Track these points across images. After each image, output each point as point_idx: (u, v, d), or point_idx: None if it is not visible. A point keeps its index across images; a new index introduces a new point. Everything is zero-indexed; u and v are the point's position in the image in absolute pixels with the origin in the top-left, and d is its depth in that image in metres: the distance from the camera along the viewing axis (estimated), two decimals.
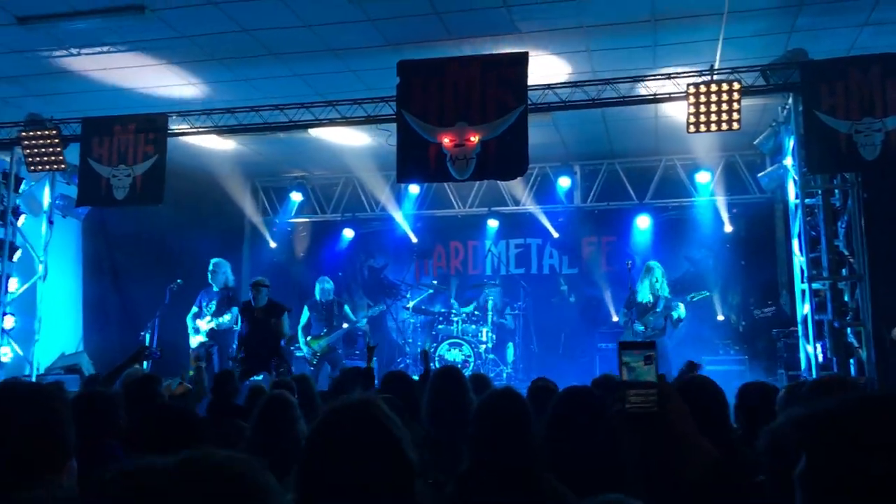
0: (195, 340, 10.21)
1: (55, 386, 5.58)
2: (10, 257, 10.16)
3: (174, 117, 9.66)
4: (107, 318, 11.63)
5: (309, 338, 11.09)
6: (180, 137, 9.94)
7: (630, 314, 10.16)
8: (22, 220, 10.44)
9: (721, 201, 12.25)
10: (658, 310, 9.85)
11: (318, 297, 11.26)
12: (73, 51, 8.65)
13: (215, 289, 10.35)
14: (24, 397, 1.91)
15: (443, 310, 12.34)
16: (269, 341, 9.14)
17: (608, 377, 4.91)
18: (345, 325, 11.28)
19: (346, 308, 11.55)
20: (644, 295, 10.01)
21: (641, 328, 9.90)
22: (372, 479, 1.80)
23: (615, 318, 12.20)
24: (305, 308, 11.32)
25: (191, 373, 6.44)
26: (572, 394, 3.18)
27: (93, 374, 7.70)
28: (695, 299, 10.32)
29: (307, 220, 14.28)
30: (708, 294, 10.80)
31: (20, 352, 10.19)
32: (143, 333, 10.26)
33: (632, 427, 1.63)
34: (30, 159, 9.79)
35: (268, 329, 9.18)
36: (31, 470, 1.82)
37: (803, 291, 8.36)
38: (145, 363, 8.45)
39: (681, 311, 9.91)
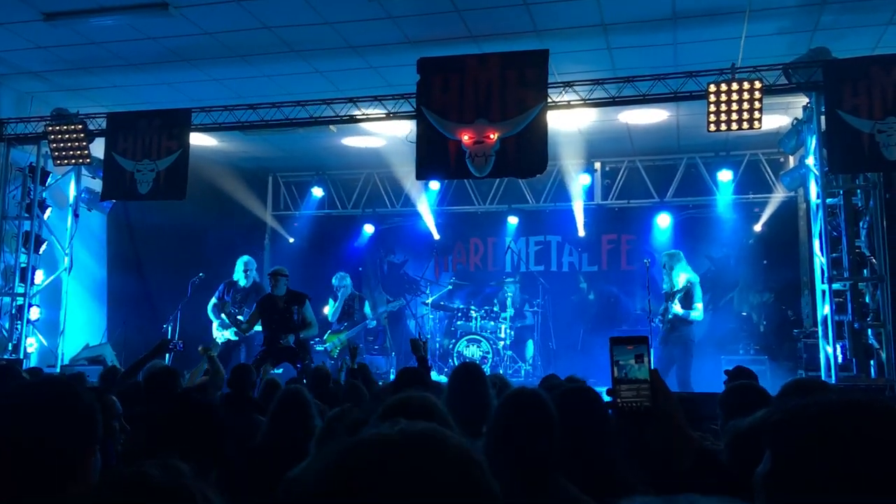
0: (220, 334, 10.27)
1: (77, 378, 5.69)
2: (37, 250, 10.33)
3: (197, 112, 9.77)
4: (130, 310, 11.79)
5: (328, 332, 11.16)
6: (203, 133, 10.05)
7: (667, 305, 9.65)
8: (48, 213, 10.60)
9: (743, 200, 12.15)
10: (673, 302, 9.47)
11: (337, 291, 11.33)
12: (98, 46, 8.78)
13: (242, 284, 10.40)
14: (46, 394, 1.93)
15: (461, 306, 12.38)
16: (293, 330, 8.73)
17: (551, 378, 5.05)
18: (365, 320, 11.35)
19: (367, 304, 11.60)
20: (668, 284, 9.65)
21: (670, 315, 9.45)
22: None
23: (639, 311, 12.04)
24: (331, 301, 11.38)
25: (203, 365, 6.50)
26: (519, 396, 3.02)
27: (110, 366, 7.79)
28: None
29: (328, 214, 14.36)
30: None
31: (45, 343, 10.36)
32: (165, 326, 10.41)
33: (626, 421, 1.67)
34: (56, 153, 9.95)
35: (290, 318, 8.80)
36: (62, 468, 1.84)
37: (824, 292, 8.29)
38: (167, 356, 8.56)
39: (695, 314, 9.36)
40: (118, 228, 12.12)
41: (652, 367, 1.70)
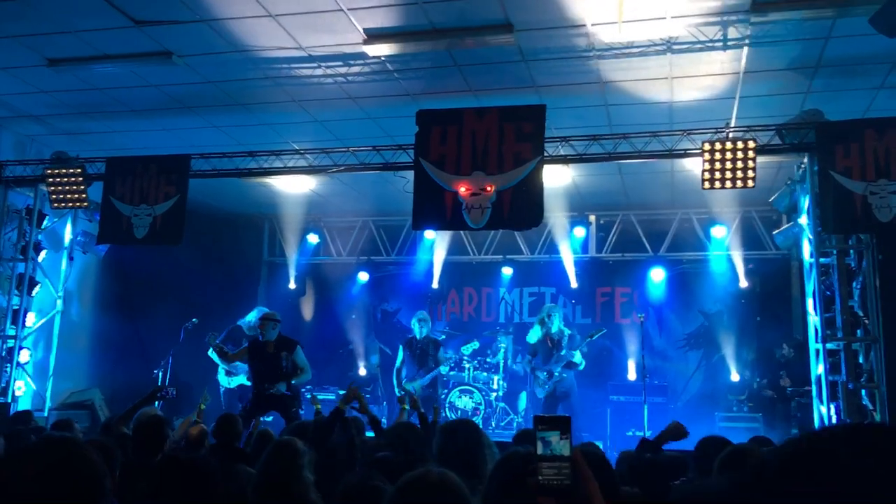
0: (227, 381, 10.21)
1: (66, 425, 5.62)
2: (30, 292, 10.29)
3: (196, 159, 9.83)
4: (120, 355, 11.70)
5: (404, 380, 10.44)
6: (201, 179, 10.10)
7: (535, 361, 10.05)
8: (42, 255, 10.59)
9: (737, 256, 12.22)
10: (560, 353, 9.81)
11: (416, 335, 10.54)
12: (101, 92, 8.88)
13: (249, 334, 10.38)
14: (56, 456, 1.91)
15: (454, 356, 12.32)
16: (281, 378, 8.50)
17: (525, 431, 4.95)
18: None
19: (441, 350, 10.70)
20: (533, 336, 10.08)
21: (544, 375, 9.87)
22: None
23: (632, 377, 12.07)
24: (400, 348, 10.68)
25: (202, 406, 6.44)
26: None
27: (108, 417, 7.70)
28: (594, 337, 10.13)
29: (323, 261, 14.37)
30: (604, 331, 10.63)
31: (34, 386, 10.26)
32: (155, 371, 10.33)
33: (546, 497, 1.68)
34: (54, 196, 9.97)
35: (278, 365, 8.55)
36: None
37: (817, 351, 8.29)
38: (157, 403, 8.46)
39: (578, 356, 9.81)
40: (111, 271, 12.10)
41: (573, 446, 1.72)
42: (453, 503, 1.88)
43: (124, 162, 9.86)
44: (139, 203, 9.61)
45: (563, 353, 9.79)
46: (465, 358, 11.81)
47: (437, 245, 13.32)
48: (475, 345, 12.01)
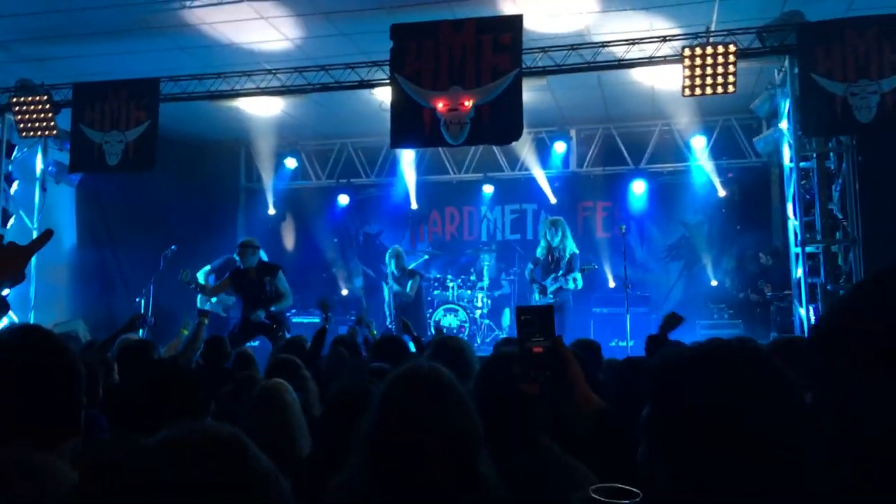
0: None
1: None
2: (4, 224, 10.13)
3: (166, 82, 9.57)
4: (102, 285, 11.64)
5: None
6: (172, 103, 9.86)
7: (535, 272, 9.93)
8: (15, 186, 10.39)
9: (716, 166, 12.20)
10: (558, 274, 9.65)
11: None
12: (63, 14, 8.54)
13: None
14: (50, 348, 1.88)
15: (438, 275, 12.36)
16: (263, 304, 8.46)
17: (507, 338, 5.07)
18: None
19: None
20: (540, 251, 9.88)
21: (536, 289, 9.76)
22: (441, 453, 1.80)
23: (612, 285, 12.22)
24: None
25: (184, 331, 6.42)
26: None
27: (89, 340, 7.69)
28: (584, 271, 10.06)
29: (302, 186, 14.21)
30: (595, 267, 10.62)
31: (16, 319, 10.20)
32: (138, 300, 10.29)
33: (532, 380, 1.69)
34: (21, 125, 9.72)
35: (262, 290, 8.52)
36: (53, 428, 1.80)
37: (797, 255, 8.38)
38: (140, 331, 8.45)
39: (573, 282, 9.64)
40: (88, 201, 11.91)
41: (556, 335, 1.74)
42: (446, 396, 1.87)
43: (92, 87, 9.62)
44: (110, 129, 9.40)
45: (560, 273, 9.63)
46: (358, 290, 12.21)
47: (409, 164, 13.17)
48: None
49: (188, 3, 8.29)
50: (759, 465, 1.14)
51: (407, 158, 13.13)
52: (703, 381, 1.21)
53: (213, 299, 9.97)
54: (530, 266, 10.15)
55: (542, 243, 9.89)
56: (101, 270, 11.73)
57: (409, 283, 10.92)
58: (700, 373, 1.23)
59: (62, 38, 9.21)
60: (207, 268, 10.28)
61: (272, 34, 9.10)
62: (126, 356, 5.04)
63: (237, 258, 9.70)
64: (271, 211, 14.07)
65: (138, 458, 1.00)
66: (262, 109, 11.61)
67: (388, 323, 10.99)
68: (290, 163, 13.53)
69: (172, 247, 10.55)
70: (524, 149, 12.72)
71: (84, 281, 11.73)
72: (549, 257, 9.73)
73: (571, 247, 9.78)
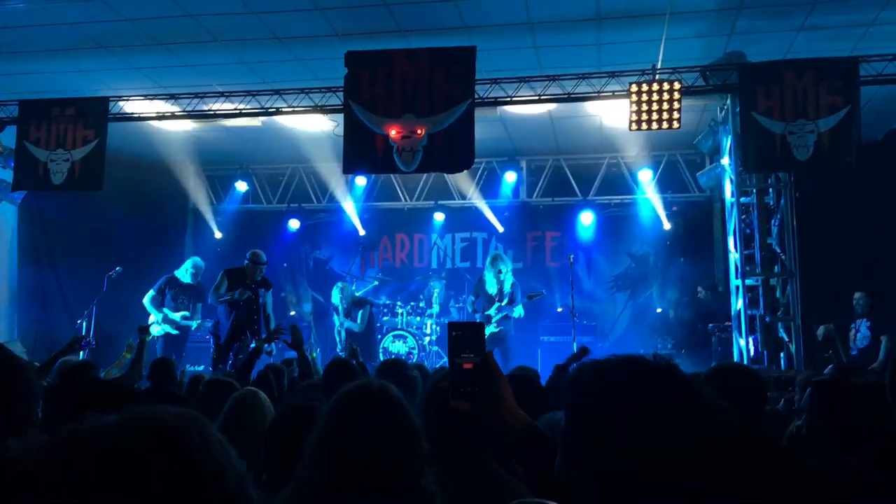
0: (158, 328, 9.94)
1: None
2: None
3: (115, 101, 9.47)
4: (42, 306, 11.35)
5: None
6: (121, 122, 9.75)
7: (477, 303, 10.45)
8: None
9: (662, 199, 12.50)
10: (502, 303, 10.12)
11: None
12: (11, 31, 8.41)
13: (184, 281, 10.19)
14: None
15: (387, 302, 12.36)
16: (256, 315, 8.95)
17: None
18: None
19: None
20: (491, 286, 10.29)
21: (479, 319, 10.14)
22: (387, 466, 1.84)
23: (559, 309, 12.38)
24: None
25: (126, 355, 6.31)
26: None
27: (27, 362, 7.48)
28: (532, 298, 10.44)
29: (252, 209, 14.11)
30: (543, 293, 10.87)
31: None
32: (79, 322, 10.06)
33: (462, 396, 1.74)
34: None
35: (255, 300, 8.99)
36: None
37: (737, 287, 8.62)
38: (80, 353, 8.26)
39: (519, 310, 10.23)
40: (30, 220, 11.65)
41: (486, 351, 1.79)
42: (393, 414, 1.90)
43: (39, 105, 9.45)
44: (56, 147, 9.25)
45: (503, 303, 10.00)
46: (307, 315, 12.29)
47: (353, 191, 13.29)
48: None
49: (141, 25, 8.24)
50: (663, 464, 1.21)
51: (363, 184, 13.19)
52: (612, 385, 1.29)
53: (171, 325, 9.90)
54: (471, 298, 10.44)
55: (491, 278, 10.16)
56: (41, 291, 11.45)
57: (360, 313, 11.01)
58: (610, 378, 1.31)
59: (9, 54, 9.05)
60: (152, 293, 10.07)
61: (226, 57, 9.08)
62: (67, 379, 4.94)
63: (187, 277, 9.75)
64: (217, 235, 13.93)
65: (34, 452, 0.93)
66: (213, 132, 11.54)
67: (338, 350, 10.97)
68: (241, 186, 13.45)
69: (117, 268, 10.36)
70: (475, 177, 12.87)
71: (23, 302, 11.44)
72: (496, 289, 10.04)
73: (511, 278, 10.33)
